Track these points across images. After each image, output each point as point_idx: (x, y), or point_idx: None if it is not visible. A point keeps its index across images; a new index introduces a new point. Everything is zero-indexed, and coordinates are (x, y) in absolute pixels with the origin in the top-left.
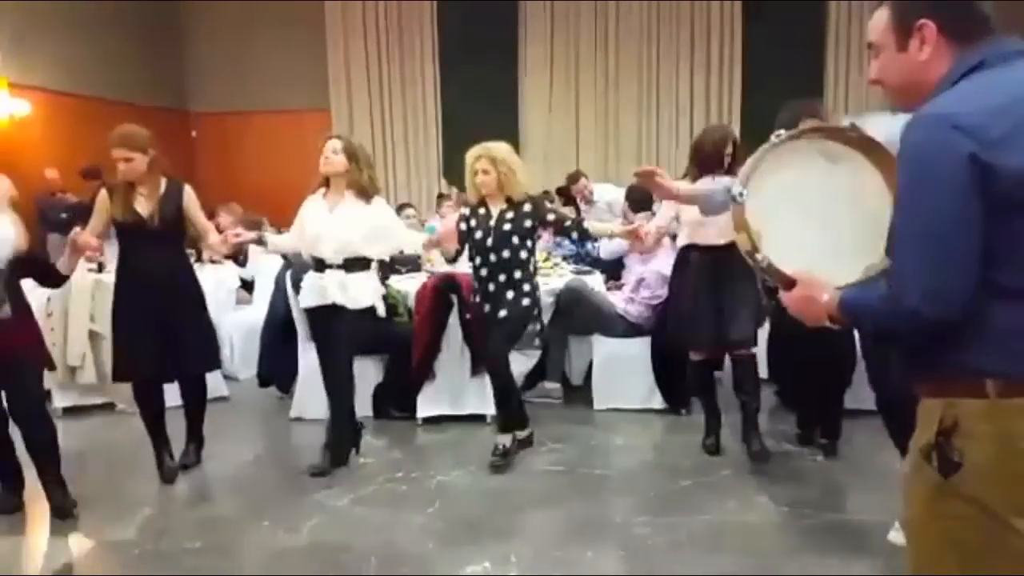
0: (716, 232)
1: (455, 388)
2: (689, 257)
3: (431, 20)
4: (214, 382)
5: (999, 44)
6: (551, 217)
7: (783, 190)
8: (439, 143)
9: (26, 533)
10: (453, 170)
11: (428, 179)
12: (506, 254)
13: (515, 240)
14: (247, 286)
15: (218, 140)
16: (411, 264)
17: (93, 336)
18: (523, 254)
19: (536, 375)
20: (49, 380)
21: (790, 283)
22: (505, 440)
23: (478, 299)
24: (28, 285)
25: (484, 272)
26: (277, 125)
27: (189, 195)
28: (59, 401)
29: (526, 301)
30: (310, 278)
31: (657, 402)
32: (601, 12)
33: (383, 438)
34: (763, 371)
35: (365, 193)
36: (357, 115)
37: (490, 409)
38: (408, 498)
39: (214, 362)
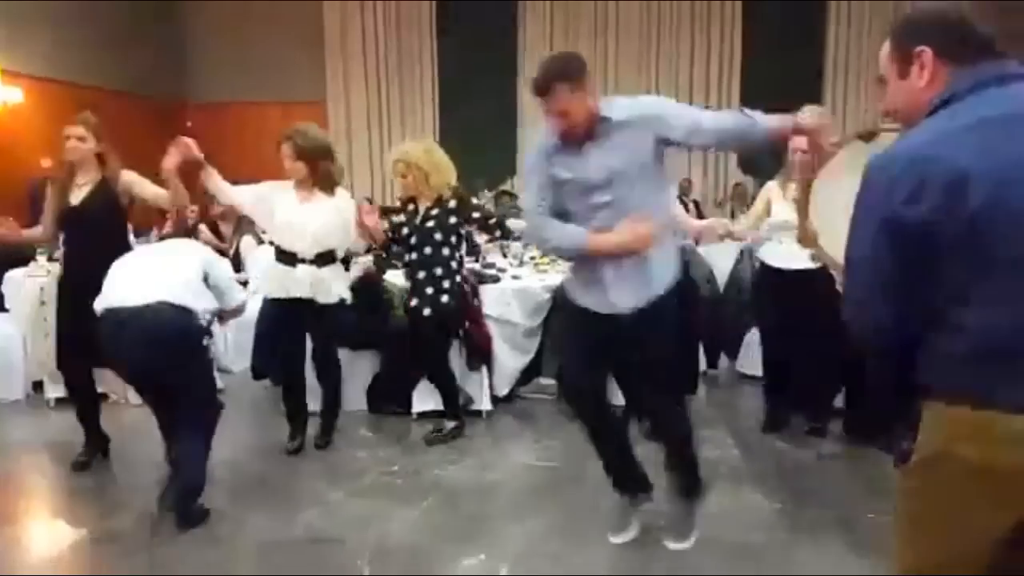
0: None
1: None
2: None
3: (429, 12)
4: None
5: (980, 71)
6: (476, 215)
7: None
8: (436, 136)
9: (19, 525)
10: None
11: None
12: (428, 251)
13: (437, 237)
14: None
15: (214, 130)
16: None
17: None
18: (445, 251)
19: (532, 371)
20: (40, 371)
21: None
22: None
23: (408, 294)
24: (19, 275)
25: (411, 268)
26: (274, 116)
27: (127, 177)
28: (51, 392)
29: (445, 298)
30: (276, 270)
31: None
32: (601, 9)
33: (378, 432)
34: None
35: (329, 186)
36: (354, 107)
37: (485, 404)
38: (403, 492)
39: None
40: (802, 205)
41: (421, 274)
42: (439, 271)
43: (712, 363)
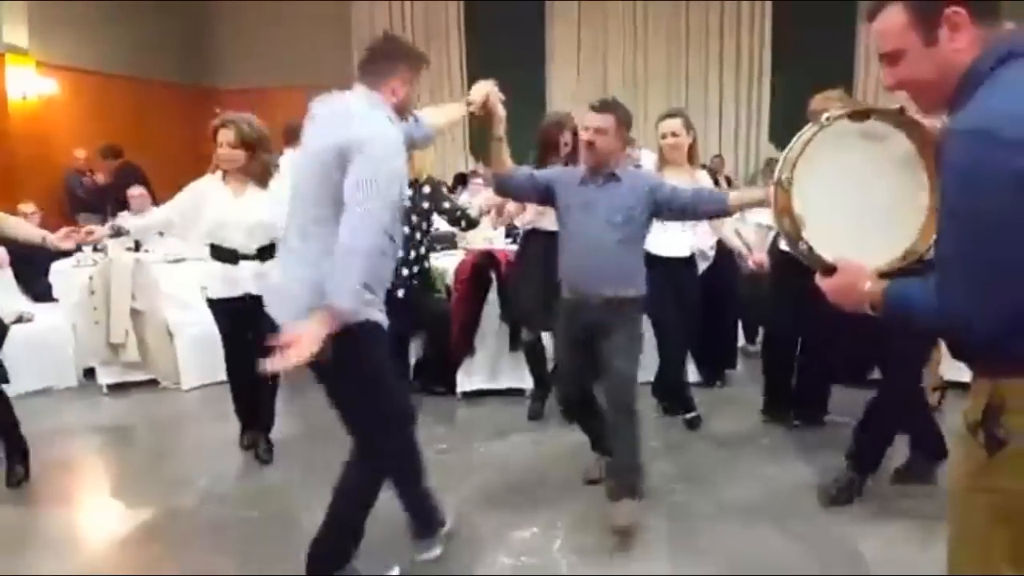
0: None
1: (493, 363)
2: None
3: (457, 13)
4: None
5: (1015, 31)
6: (446, 205)
7: (825, 174)
8: (465, 120)
9: (84, 506)
10: (481, 146)
11: (454, 155)
12: (406, 230)
13: (413, 218)
14: None
15: None
16: (447, 242)
17: (135, 314)
18: (418, 235)
19: None
20: (92, 358)
21: (829, 269)
22: None
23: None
24: (66, 266)
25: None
26: (302, 101)
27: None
28: (103, 378)
29: (410, 278)
30: (219, 268)
31: (692, 375)
32: (629, 9)
33: (424, 413)
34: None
35: (265, 179)
36: None
37: (528, 383)
38: (453, 468)
39: None
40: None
41: (400, 253)
42: (412, 253)
43: (750, 339)
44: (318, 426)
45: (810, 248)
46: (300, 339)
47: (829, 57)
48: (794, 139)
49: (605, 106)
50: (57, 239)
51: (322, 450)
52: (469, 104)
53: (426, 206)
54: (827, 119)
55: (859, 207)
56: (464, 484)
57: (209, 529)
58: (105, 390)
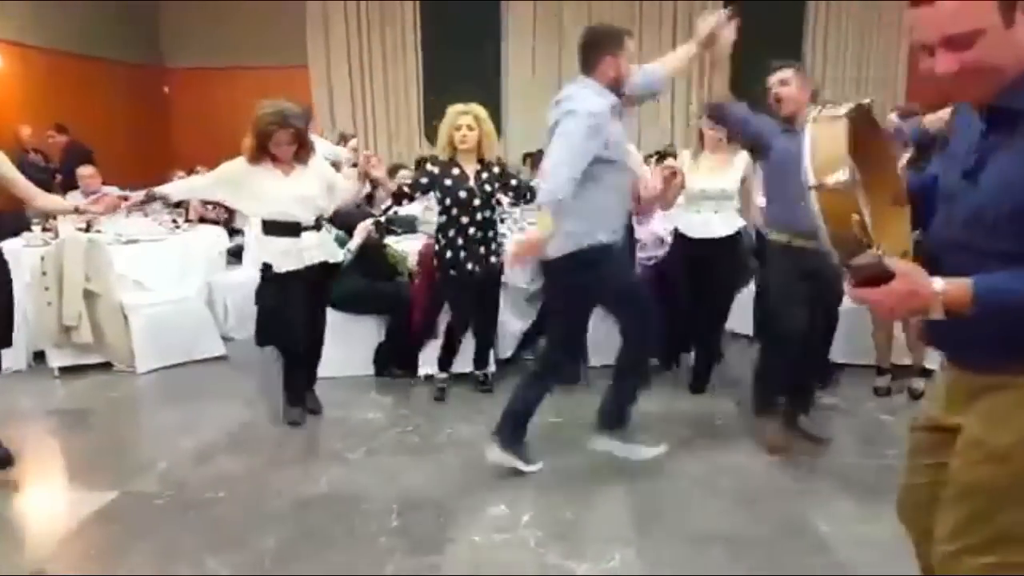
0: None
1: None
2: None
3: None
4: (211, 342)
5: None
6: (514, 182)
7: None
8: (420, 103)
9: (44, 490)
10: (435, 133)
11: (409, 139)
12: (488, 214)
13: (493, 201)
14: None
15: (193, 97)
16: (407, 226)
17: (88, 295)
18: (497, 214)
19: (534, 334)
20: (44, 340)
21: (888, 276)
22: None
23: (462, 256)
24: (16, 245)
25: (472, 231)
26: (254, 82)
27: None
28: (55, 360)
29: (494, 259)
30: (282, 243)
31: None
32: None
33: (387, 395)
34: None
35: (308, 157)
36: (335, 72)
37: (491, 367)
38: (421, 448)
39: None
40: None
41: (480, 235)
42: (492, 233)
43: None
44: (270, 414)
45: (879, 256)
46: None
47: (778, 32)
48: (815, 134)
49: (784, 64)
50: (87, 204)
51: (276, 433)
52: (700, 41)
53: (498, 186)
54: (852, 111)
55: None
56: (433, 463)
57: (172, 512)
58: (56, 373)
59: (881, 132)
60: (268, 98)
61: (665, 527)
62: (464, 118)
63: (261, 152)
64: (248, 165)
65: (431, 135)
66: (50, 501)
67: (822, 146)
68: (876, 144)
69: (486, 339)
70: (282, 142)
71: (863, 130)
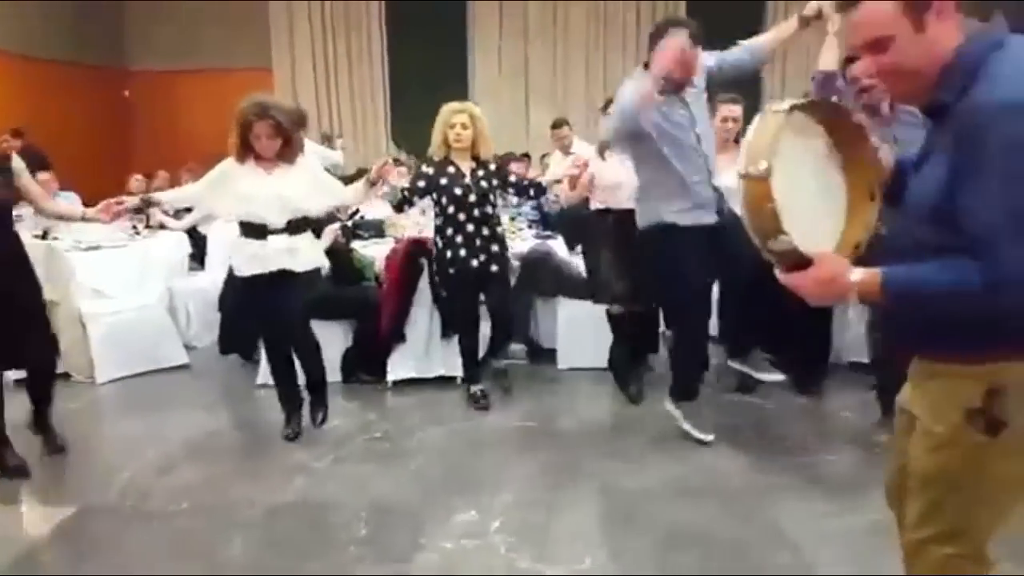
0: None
1: (424, 351)
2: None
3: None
4: (173, 350)
5: (992, 21)
6: (513, 178)
7: (791, 163)
8: (386, 105)
9: (4, 501)
10: (403, 135)
11: (376, 140)
12: (488, 210)
13: (491, 196)
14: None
15: (155, 100)
16: (374, 230)
17: (47, 304)
18: (497, 210)
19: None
20: None
21: (805, 263)
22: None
23: (462, 253)
24: None
25: (470, 228)
26: (216, 84)
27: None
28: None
29: (500, 250)
30: (249, 246)
31: None
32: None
33: (354, 401)
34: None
35: (294, 156)
36: (299, 74)
37: (458, 371)
38: (389, 456)
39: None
40: None
41: (485, 231)
42: (499, 229)
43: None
44: (235, 423)
45: (791, 243)
46: None
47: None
48: (754, 127)
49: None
50: (95, 213)
51: (242, 442)
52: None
53: (495, 183)
54: (791, 108)
55: (812, 198)
56: (401, 470)
57: (135, 524)
58: (12, 385)
59: (858, 128)
60: (229, 101)
61: (636, 528)
62: (459, 116)
63: (245, 148)
64: (234, 164)
65: (397, 138)
66: (4, 519)
67: (754, 139)
68: (853, 138)
69: (504, 328)
70: (262, 135)
71: (836, 123)
